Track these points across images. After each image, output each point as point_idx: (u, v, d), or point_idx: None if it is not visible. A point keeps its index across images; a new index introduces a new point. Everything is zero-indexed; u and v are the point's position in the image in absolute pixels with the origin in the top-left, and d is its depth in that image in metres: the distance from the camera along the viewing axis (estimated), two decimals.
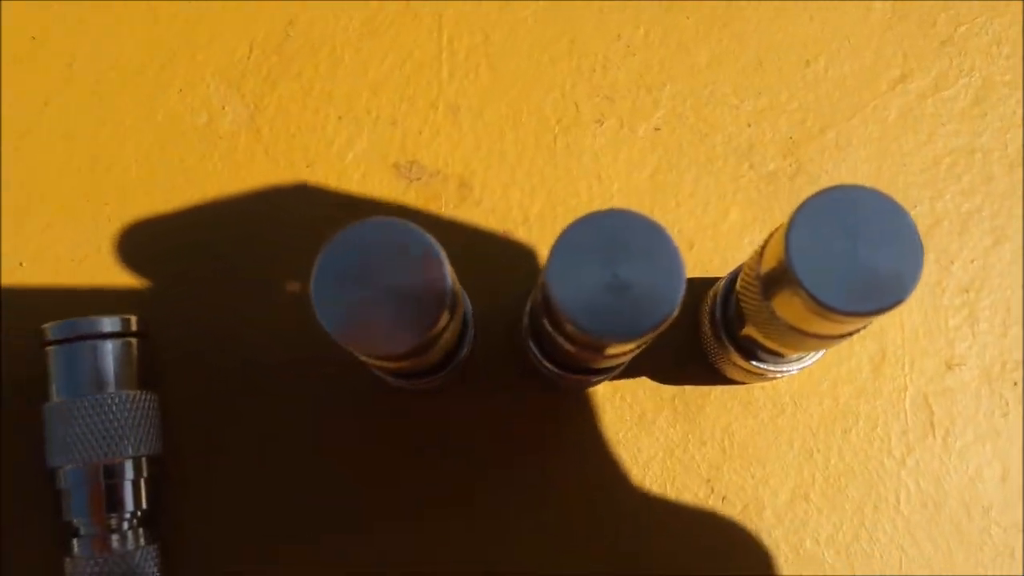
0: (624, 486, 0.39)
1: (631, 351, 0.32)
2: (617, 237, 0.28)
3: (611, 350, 0.31)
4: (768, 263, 0.31)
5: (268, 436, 0.39)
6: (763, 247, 0.31)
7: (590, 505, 0.39)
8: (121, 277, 0.40)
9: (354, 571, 0.38)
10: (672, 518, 0.38)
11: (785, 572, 0.38)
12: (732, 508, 0.38)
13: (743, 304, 0.34)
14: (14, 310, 0.39)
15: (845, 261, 0.28)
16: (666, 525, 0.38)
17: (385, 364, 0.33)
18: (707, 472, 0.39)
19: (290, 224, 0.40)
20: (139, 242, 0.40)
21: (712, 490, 0.38)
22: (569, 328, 0.29)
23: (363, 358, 0.31)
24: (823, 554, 0.38)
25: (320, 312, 0.28)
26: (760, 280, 0.31)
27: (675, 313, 0.28)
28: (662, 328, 0.28)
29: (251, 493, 0.39)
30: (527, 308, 0.37)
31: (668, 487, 0.39)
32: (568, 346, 0.31)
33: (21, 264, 0.40)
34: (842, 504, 0.38)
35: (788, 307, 0.30)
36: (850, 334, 0.31)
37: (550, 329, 0.31)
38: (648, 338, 0.29)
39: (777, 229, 0.30)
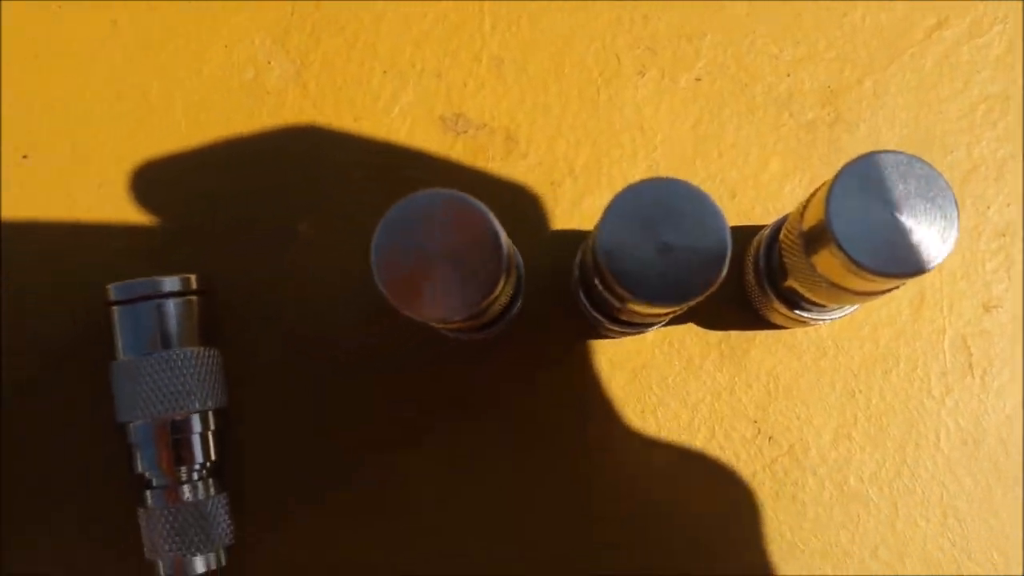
0: (674, 429, 0.40)
1: (680, 310, 0.33)
2: (665, 204, 0.30)
3: (659, 311, 0.32)
4: (809, 222, 0.32)
5: (303, 387, 0.40)
6: (805, 205, 0.32)
7: (640, 448, 0.40)
8: (172, 233, 0.40)
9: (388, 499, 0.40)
10: (720, 458, 0.40)
11: (831, 508, 0.39)
12: (779, 448, 0.40)
13: (785, 259, 0.35)
14: (70, 266, 0.40)
15: (883, 224, 0.30)
16: (714, 465, 0.40)
17: (440, 325, 0.34)
18: (754, 413, 0.40)
19: (340, 178, 0.41)
20: (189, 198, 0.41)
21: (759, 431, 0.40)
22: (619, 291, 0.30)
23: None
24: (867, 491, 0.39)
25: (380, 280, 0.29)
26: (802, 237, 0.32)
27: (722, 278, 0.29)
28: (709, 292, 0.29)
29: (264, 449, 0.40)
30: (577, 260, 0.38)
31: (716, 428, 0.40)
32: (619, 305, 0.32)
33: (72, 222, 0.40)
34: (884, 442, 0.40)
35: (828, 265, 0.31)
36: (888, 291, 0.32)
37: (600, 288, 0.32)
38: (695, 301, 0.30)
39: (819, 188, 0.31)
